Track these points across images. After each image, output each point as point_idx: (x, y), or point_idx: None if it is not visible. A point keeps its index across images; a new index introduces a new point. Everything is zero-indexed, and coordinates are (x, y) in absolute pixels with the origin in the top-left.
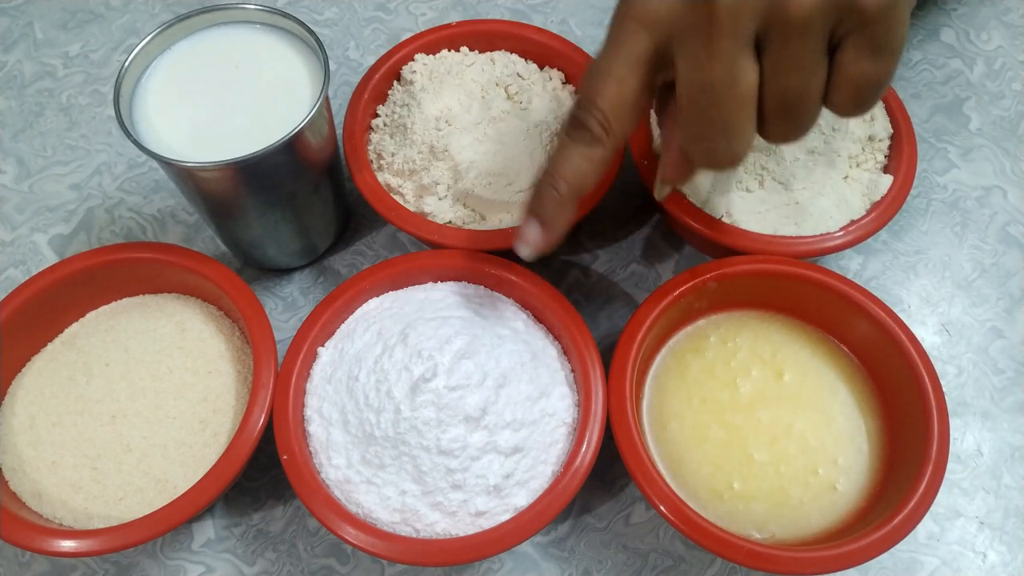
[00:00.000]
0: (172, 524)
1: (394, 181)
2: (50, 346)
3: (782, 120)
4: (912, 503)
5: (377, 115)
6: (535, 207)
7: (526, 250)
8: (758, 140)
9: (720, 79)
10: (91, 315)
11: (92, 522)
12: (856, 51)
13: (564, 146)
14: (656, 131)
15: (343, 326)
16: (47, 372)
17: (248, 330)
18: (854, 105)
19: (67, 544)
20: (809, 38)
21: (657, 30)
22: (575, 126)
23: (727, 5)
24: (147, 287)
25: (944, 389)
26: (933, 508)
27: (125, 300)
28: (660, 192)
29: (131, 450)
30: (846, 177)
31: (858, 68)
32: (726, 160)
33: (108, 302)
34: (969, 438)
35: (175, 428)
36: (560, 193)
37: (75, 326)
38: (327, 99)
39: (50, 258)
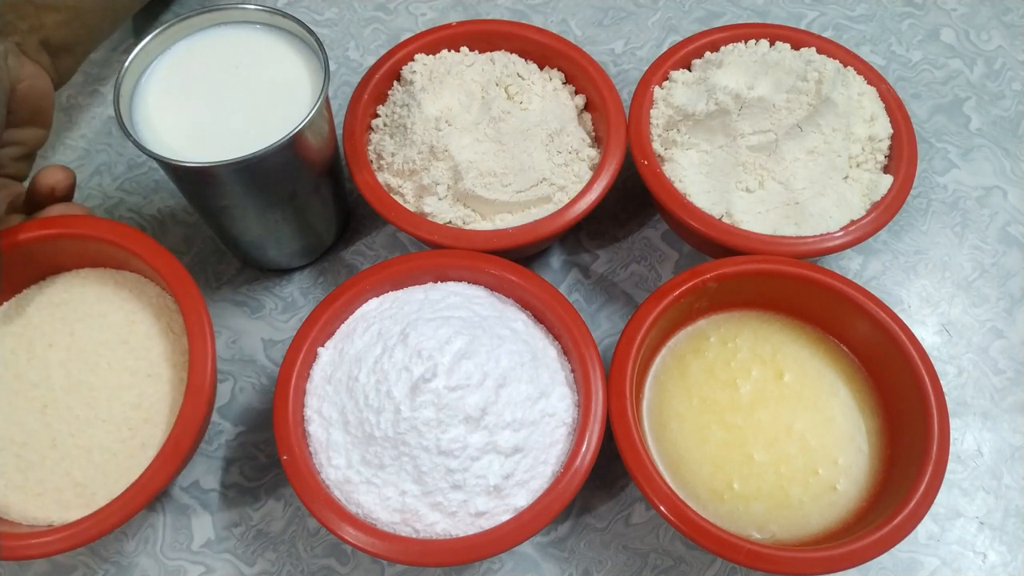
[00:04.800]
0: (86, 539)
1: (394, 181)
2: (4, 306)
3: None
4: (912, 503)
5: (377, 115)
6: None
7: None
8: (757, 138)
9: None
10: (50, 279)
11: (9, 512)
12: None
13: None
14: (656, 131)
15: (343, 326)
16: None
17: (188, 338)
18: None
19: None
20: None
21: None
22: None
23: None
24: (110, 263)
25: (944, 389)
26: (933, 508)
27: (87, 270)
28: None
29: (56, 446)
30: (846, 177)
31: None
32: None
33: (69, 269)
34: (969, 438)
35: (103, 432)
36: None
37: (33, 288)
38: (327, 99)
39: None
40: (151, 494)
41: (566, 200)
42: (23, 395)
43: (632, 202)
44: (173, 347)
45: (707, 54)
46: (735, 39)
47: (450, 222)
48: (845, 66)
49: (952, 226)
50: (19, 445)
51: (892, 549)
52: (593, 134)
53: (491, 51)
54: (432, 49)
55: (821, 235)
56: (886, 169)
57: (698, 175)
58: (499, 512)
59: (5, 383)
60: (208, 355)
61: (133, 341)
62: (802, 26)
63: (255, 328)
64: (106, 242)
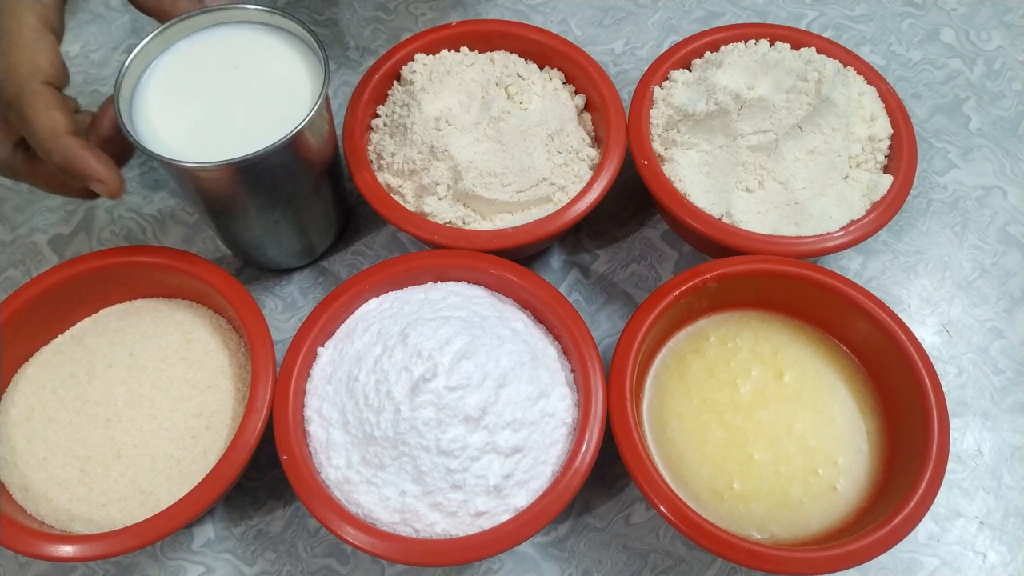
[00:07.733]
0: (150, 539)
1: (394, 181)
2: (60, 338)
3: None
4: (912, 503)
5: (377, 115)
6: None
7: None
8: (757, 138)
9: None
10: (103, 312)
11: (74, 524)
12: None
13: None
14: (656, 131)
15: (343, 326)
16: (52, 365)
17: (252, 357)
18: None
19: (62, 549)
20: None
21: None
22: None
23: None
24: (161, 291)
25: (944, 389)
26: (933, 508)
27: (139, 301)
28: None
29: (120, 457)
30: (846, 177)
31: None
32: None
33: (122, 301)
34: (969, 438)
35: (166, 440)
36: None
37: (87, 321)
38: (327, 99)
39: (50, 258)
40: (217, 494)
41: (566, 200)
42: (85, 413)
43: (632, 202)
44: (230, 361)
45: (707, 54)
46: (735, 39)
47: (450, 222)
48: (845, 66)
49: (952, 226)
50: (83, 460)
51: (892, 549)
52: (593, 134)
53: (491, 51)
54: (432, 49)
55: (821, 235)
56: (886, 169)
57: (698, 175)
58: (499, 512)
59: (67, 404)
60: (269, 368)
61: (191, 357)
62: (802, 26)
63: None
64: (164, 268)
